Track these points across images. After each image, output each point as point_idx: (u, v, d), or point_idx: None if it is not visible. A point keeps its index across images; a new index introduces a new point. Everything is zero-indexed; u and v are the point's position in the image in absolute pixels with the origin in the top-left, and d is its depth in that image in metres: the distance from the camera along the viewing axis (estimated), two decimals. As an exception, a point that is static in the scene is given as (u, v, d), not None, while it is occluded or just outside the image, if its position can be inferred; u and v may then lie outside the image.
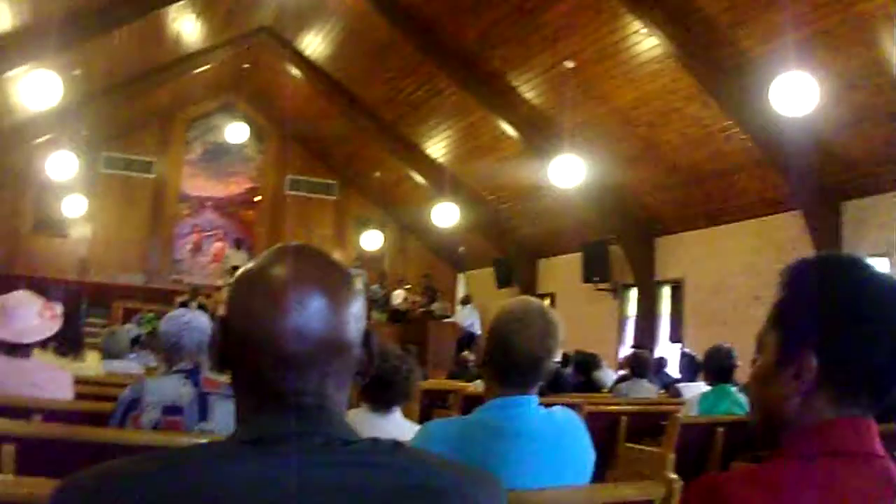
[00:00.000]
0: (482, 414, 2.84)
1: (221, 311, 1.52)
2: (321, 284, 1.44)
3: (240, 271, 1.52)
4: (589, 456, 2.88)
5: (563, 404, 2.88)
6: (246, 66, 20.68)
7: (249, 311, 1.43)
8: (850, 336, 1.47)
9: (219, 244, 23.78)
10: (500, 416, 2.77)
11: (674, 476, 2.71)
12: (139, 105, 21.03)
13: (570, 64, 13.48)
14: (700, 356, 7.69)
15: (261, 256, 1.51)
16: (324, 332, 1.41)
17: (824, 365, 1.47)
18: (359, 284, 1.53)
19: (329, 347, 1.42)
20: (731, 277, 14.14)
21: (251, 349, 1.42)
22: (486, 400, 2.88)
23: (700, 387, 7.57)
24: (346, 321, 1.45)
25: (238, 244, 22.33)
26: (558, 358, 5.41)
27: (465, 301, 21.06)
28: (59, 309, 4.90)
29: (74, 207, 19.60)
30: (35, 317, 4.68)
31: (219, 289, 20.51)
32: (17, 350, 4.61)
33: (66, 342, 6.54)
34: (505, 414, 2.77)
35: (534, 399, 2.82)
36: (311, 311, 1.40)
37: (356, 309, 1.48)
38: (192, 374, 3.92)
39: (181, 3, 15.41)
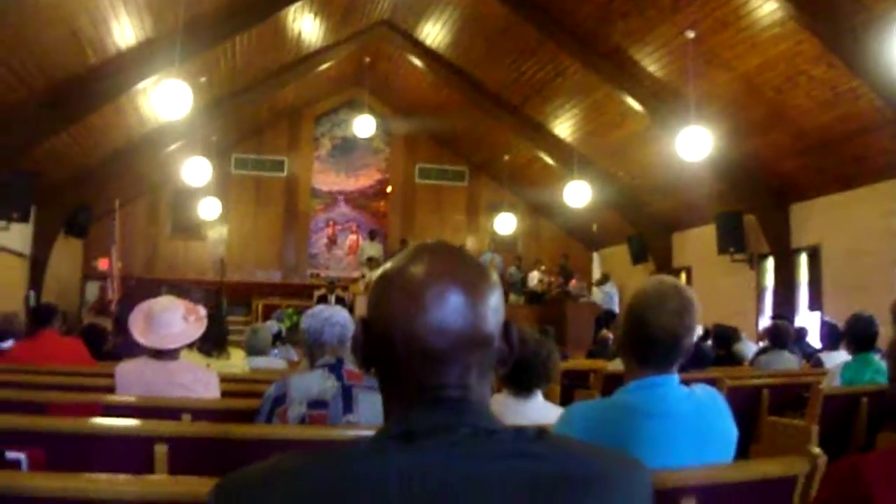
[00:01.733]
0: (623, 395, 2.85)
1: (361, 306, 1.58)
2: (458, 280, 1.48)
3: (378, 271, 1.58)
4: (731, 434, 2.87)
5: (703, 379, 2.88)
6: (368, 59, 20.85)
7: (390, 310, 1.49)
8: None
9: (353, 237, 24.11)
10: (642, 397, 2.78)
11: (817, 451, 2.68)
12: (266, 106, 21.43)
13: (690, 34, 13.29)
14: (841, 324, 7.55)
15: (398, 256, 1.57)
16: (463, 326, 1.46)
17: None
18: (495, 277, 1.57)
19: (469, 341, 1.47)
20: (869, 241, 13.76)
21: (394, 347, 1.47)
22: (626, 380, 2.89)
23: (842, 356, 7.43)
24: (485, 314, 1.49)
25: (372, 235, 22.55)
26: (697, 334, 5.36)
27: (603, 279, 20.99)
28: (202, 311, 5.06)
29: (209, 210, 20.08)
30: (180, 321, 4.84)
31: (355, 280, 20.74)
32: (164, 353, 4.78)
33: (210, 341, 6.71)
34: (646, 394, 2.78)
35: (674, 378, 2.81)
36: (450, 307, 1.46)
37: (494, 301, 1.52)
38: (336, 368, 3.99)
39: (299, 3, 15.62)
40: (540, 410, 4.06)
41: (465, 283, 1.48)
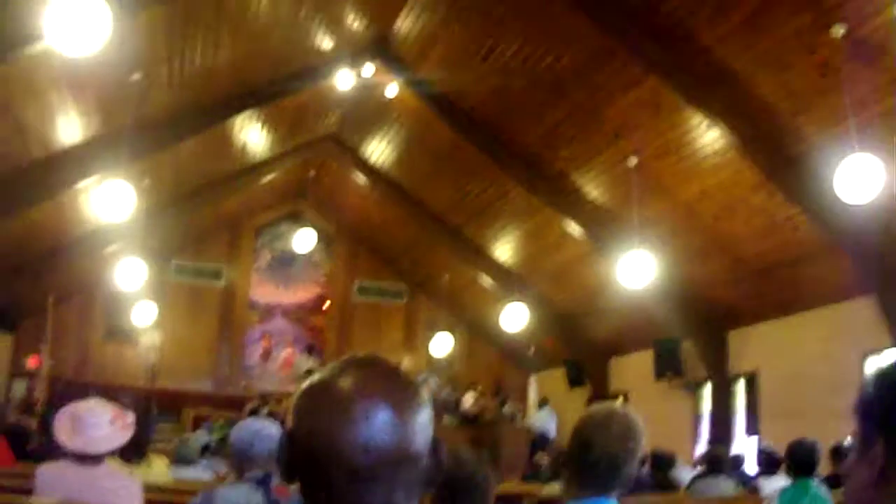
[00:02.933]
0: (560, 518, 2.80)
1: (289, 422, 1.52)
2: (387, 396, 1.43)
3: (304, 384, 1.53)
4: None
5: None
6: (312, 173, 20.94)
7: (315, 424, 1.43)
8: None
9: (289, 350, 23.89)
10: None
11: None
12: (208, 213, 21.39)
13: (633, 160, 13.49)
14: (779, 451, 7.55)
15: (326, 368, 1.52)
16: (391, 444, 1.41)
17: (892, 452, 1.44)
18: (424, 393, 1.53)
19: (397, 460, 1.42)
20: (807, 367, 13.84)
21: (317, 462, 1.41)
22: (565, 500, 2.85)
23: (780, 481, 7.43)
24: (414, 432, 1.44)
25: (309, 350, 22.49)
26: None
27: (542, 403, 20.93)
28: (130, 417, 4.94)
29: (144, 315, 19.83)
30: (106, 426, 4.72)
31: (289, 395, 20.52)
32: (88, 458, 4.65)
33: (131, 448, 6.53)
34: (581, 516, 2.73)
35: (612, 502, 2.78)
36: (377, 424, 1.40)
37: (423, 418, 1.47)
38: (263, 482, 3.91)
39: (246, 113, 15.71)
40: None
41: (394, 398, 1.44)
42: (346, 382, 1.44)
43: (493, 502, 7.41)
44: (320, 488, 1.42)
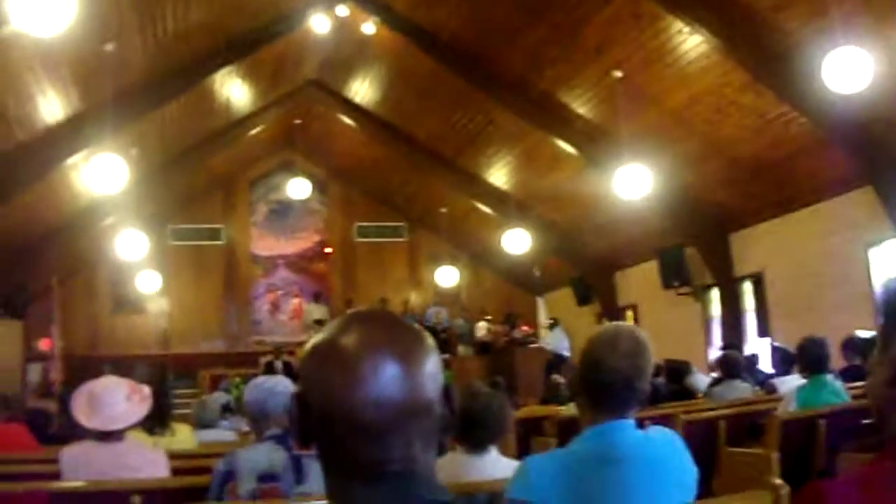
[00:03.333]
0: (579, 444, 2.82)
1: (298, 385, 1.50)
2: (393, 350, 1.42)
3: (309, 344, 1.50)
4: (691, 473, 2.84)
5: (658, 416, 2.85)
6: (298, 121, 20.82)
7: (324, 385, 1.41)
8: None
9: (296, 300, 23.94)
10: (598, 445, 2.76)
11: (778, 481, 2.64)
12: (199, 174, 21.34)
13: (617, 73, 13.41)
14: (792, 348, 7.55)
15: (329, 326, 1.49)
16: (401, 397, 1.39)
17: None
18: (431, 341, 1.51)
19: (409, 412, 1.40)
20: (810, 263, 13.86)
21: (330, 422, 1.40)
22: (581, 425, 2.85)
23: (795, 380, 7.46)
24: (423, 383, 1.43)
25: (317, 298, 22.51)
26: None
27: (553, 324, 20.95)
28: (146, 390, 4.94)
29: (149, 283, 19.88)
30: (123, 401, 4.71)
31: (302, 344, 20.56)
32: (109, 435, 4.65)
33: (154, 419, 6.53)
34: (602, 441, 2.76)
35: (629, 423, 2.80)
36: (385, 379, 1.39)
37: (431, 367, 1.45)
38: (283, 439, 3.91)
39: (225, 70, 15.60)
40: (495, 465, 3.97)
41: (401, 351, 1.42)
42: (350, 340, 1.42)
43: (512, 428, 7.45)
44: (336, 449, 1.42)
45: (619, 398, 2.77)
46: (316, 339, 1.48)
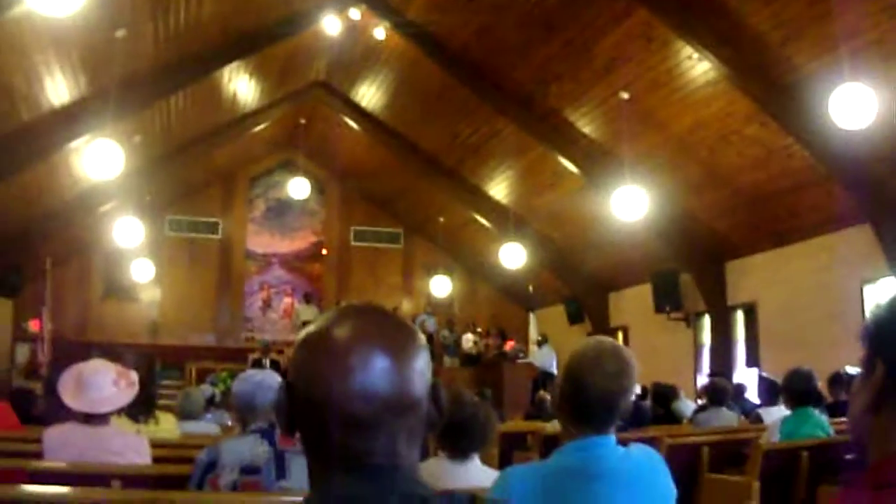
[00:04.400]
0: (560, 458, 2.81)
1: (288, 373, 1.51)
2: (384, 343, 1.42)
3: (301, 333, 1.51)
4: (671, 492, 2.84)
5: (642, 438, 2.86)
6: (303, 121, 20.87)
7: (313, 375, 1.41)
8: None
9: (288, 300, 23.97)
10: (578, 459, 2.74)
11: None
12: (200, 167, 21.35)
13: (624, 95, 13.43)
14: (779, 380, 7.56)
15: (322, 317, 1.50)
16: (389, 391, 1.39)
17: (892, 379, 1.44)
18: (422, 338, 1.51)
19: (396, 406, 1.40)
20: (804, 297, 13.90)
21: (318, 413, 1.40)
22: (562, 441, 2.86)
23: (781, 411, 7.46)
24: (412, 378, 1.43)
25: (307, 298, 22.50)
26: (636, 393, 5.36)
27: (542, 341, 20.95)
28: (134, 376, 4.95)
29: (143, 272, 19.89)
30: (111, 385, 4.73)
31: (290, 344, 20.59)
32: (94, 418, 4.67)
33: (138, 406, 6.53)
34: (582, 456, 2.75)
35: (611, 439, 2.79)
36: (375, 372, 1.39)
37: (421, 364, 1.45)
38: (268, 433, 3.92)
39: (234, 65, 15.62)
40: (477, 474, 3.98)
41: (391, 345, 1.42)
42: (342, 331, 1.43)
43: (496, 441, 7.45)
44: (321, 438, 1.42)
45: (601, 415, 2.76)
46: (308, 329, 1.49)
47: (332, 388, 1.38)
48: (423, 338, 1.51)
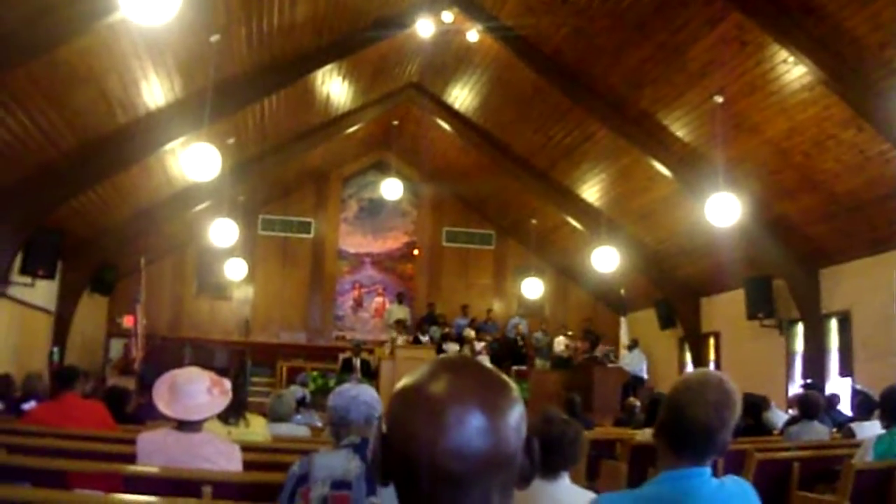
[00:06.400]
0: (654, 487, 2.81)
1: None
2: (480, 400, 1.41)
3: (398, 386, 1.50)
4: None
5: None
6: (395, 122, 21.01)
7: (409, 430, 1.41)
8: None
9: (379, 299, 24.12)
10: (673, 490, 2.74)
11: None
12: (293, 167, 21.55)
13: (719, 99, 13.27)
14: (875, 393, 7.41)
15: (419, 371, 1.50)
16: (485, 448, 1.39)
17: None
18: (516, 391, 1.49)
19: (491, 463, 1.40)
20: (900, 306, 13.63)
21: (412, 467, 1.40)
22: (659, 467, 2.84)
23: (875, 427, 7.31)
24: (507, 435, 1.42)
25: (400, 298, 22.63)
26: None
27: (632, 345, 20.81)
28: (227, 384, 5.04)
29: (236, 270, 20.16)
30: (204, 393, 4.82)
31: (381, 343, 20.73)
32: (187, 424, 4.76)
33: (229, 409, 6.61)
34: (677, 487, 2.74)
35: (707, 471, 2.77)
36: (470, 430, 1.38)
37: (516, 419, 1.44)
38: (360, 449, 3.93)
39: (328, 67, 15.76)
40: (568, 493, 3.98)
41: (487, 402, 1.41)
42: (438, 387, 1.42)
43: (586, 452, 7.41)
44: (416, 492, 1.42)
45: (700, 447, 2.75)
46: (404, 381, 1.49)
47: (426, 446, 1.38)
48: (516, 390, 1.50)
